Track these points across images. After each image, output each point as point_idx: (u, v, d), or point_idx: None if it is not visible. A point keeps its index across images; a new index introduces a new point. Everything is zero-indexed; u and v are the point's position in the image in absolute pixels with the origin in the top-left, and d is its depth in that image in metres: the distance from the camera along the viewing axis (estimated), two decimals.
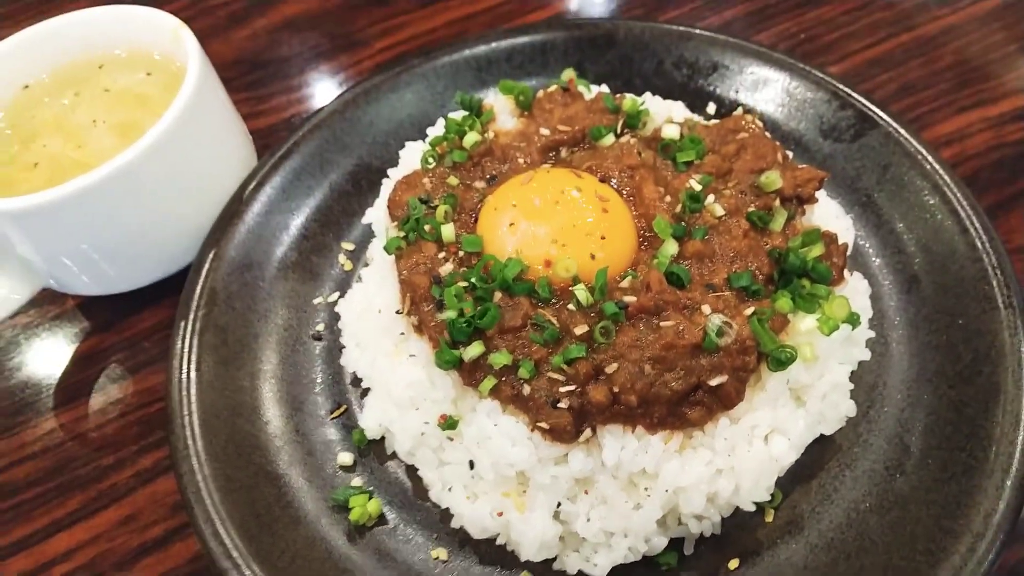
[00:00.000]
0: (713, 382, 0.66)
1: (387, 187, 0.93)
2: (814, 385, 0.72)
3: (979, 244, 0.82)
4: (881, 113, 0.93)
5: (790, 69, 1.00)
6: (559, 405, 0.67)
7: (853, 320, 0.72)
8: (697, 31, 1.04)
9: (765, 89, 1.01)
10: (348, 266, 0.96)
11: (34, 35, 0.99)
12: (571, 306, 0.70)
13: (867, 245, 0.89)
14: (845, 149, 0.94)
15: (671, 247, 0.72)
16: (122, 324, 1.00)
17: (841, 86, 0.97)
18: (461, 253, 0.76)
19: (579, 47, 1.07)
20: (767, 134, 0.87)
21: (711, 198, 0.77)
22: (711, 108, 1.02)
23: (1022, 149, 1.04)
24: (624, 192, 0.79)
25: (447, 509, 0.74)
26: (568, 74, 1.00)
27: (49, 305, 1.02)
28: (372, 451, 0.81)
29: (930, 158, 0.89)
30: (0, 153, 0.95)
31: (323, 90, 1.23)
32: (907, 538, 0.69)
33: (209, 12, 1.37)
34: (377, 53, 1.26)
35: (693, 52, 1.04)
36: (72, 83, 1.01)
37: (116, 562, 0.83)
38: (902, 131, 0.91)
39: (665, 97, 1.00)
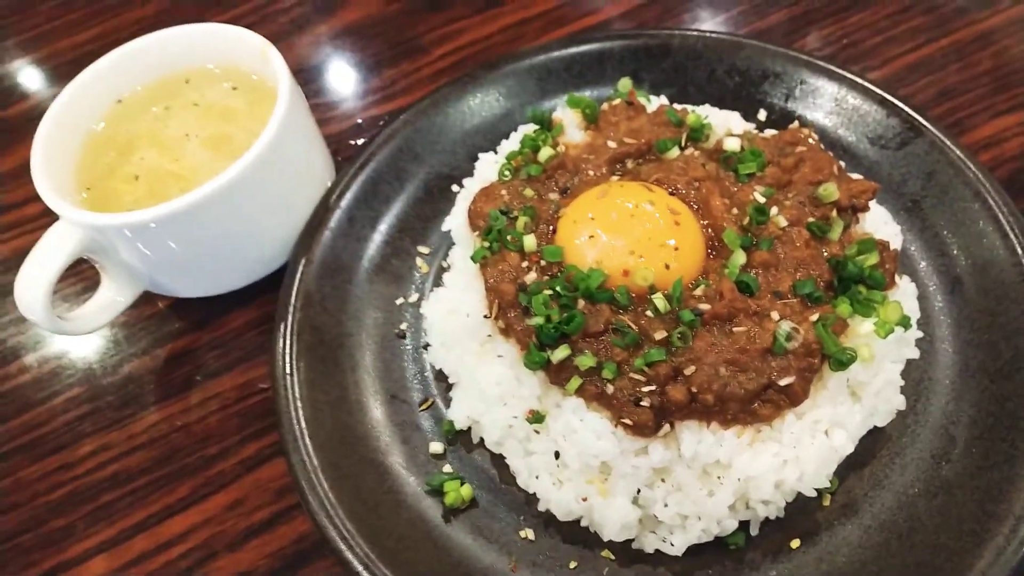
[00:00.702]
0: (782, 382, 0.73)
1: (462, 196, 1.00)
2: (870, 382, 0.79)
3: (1018, 249, 0.88)
4: (925, 122, 0.99)
5: (838, 78, 1.06)
6: (641, 403, 0.74)
7: (905, 323, 0.79)
8: (748, 41, 1.10)
9: (814, 97, 1.06)
10: (424, 268, 1.03)
11: (129, 51, 1.06)
12: (649, 312, 0.77)
13: (913, 249, 0.95)
14: (891, 156, 1.00)
15: (740, 257, 0.79)
16: (213, 324, 1.08)
17: (887, 95, 1.02)
18: (543, 262, 0.83)
19: (635, 56, 1.13)
20: (822, 146, 0.93)
21: (774, 210, 0.83)
22: (762, 115, 1.08)
23: None
24: (692, 203, 0.85)
25: (533, 494, 0.82)
26: (625, 84, 1.06)
27: (143, 306, 1.09)
28: (460, 441, 0.89)
29: (972, 166, 0.94)
30: (100, 164, 1.03)
31: (388, 96, 1.29)
32: (954, 520, 0.76)
33: (272, 19, 1.43)
34: (437, 59, 1.32)
35: (744, 61, 1.09)
36: (162, 97, 1.08)
37: (228, 543, 0.91)
38: (946, 139, 0.97)
39: (718, 104, 1.07)
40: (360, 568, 0.75)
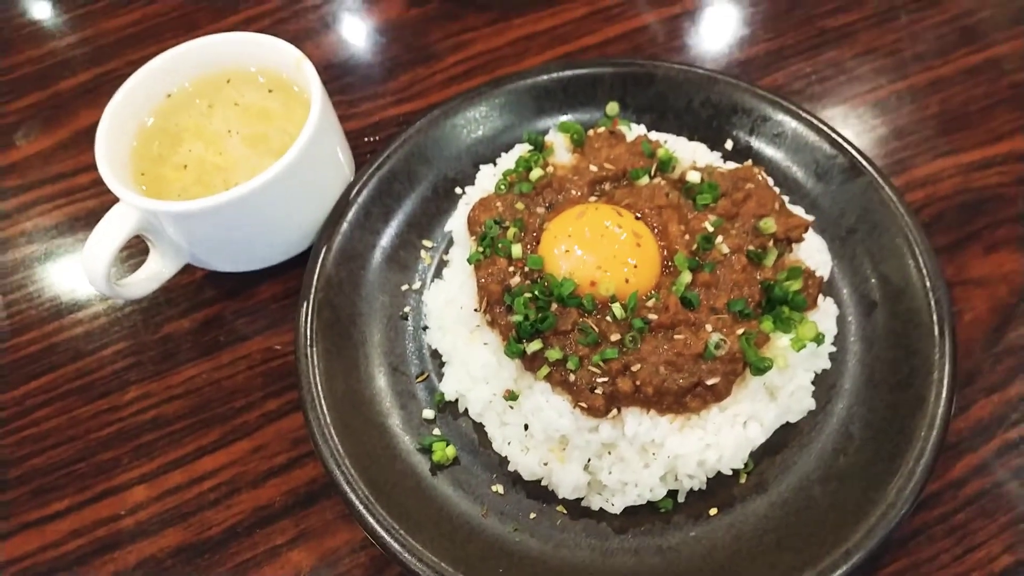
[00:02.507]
0: (709, 382, 0.91)
1: (464, 201, 1.17)
2: (784, 386, 0.97)
3: (928, 282, 1.04)
4: (865, 162, 1.14)
5: (794, 115, 1.20)
6: (595, 391, 0.92)
7: (819, 339, 0.96)
8: (720, 77, 1.24)
9: (772, 130, 1.21)
10: (428, 260, 1.20)
11: (179, 53, 1.19)
12: (608, 318, 0.94)
13: (840, 274, 1.12)
14: (833, 191, 1.16)
15: (686, 277, 0.96)
16: (244, 294, 1.24)
17: (834, 135, 1.17)
18: (526, 268, 1.00)
19: (623, 83, 1.27)
20: (770, 181, 1.09)
21: (720, 238, 1.00)
22: (728, 144, 1.24)
23: (983, 194, 1.24)
24: (654, 227, 1.02)
25: (505, 457, 1.00)
26: (613, 107, 1.22)
27: (183, 276, 1.25)
28: (448, 409, 1.07)
29: (900, 206, 1.10)
30: (152, 152, 1.19)
31: (403, 98, 1.43)
32: (841, 503, 0.93)
33: (302, 15, 1.57)
34: (450, 67, 1.46)
35: (717, 95, 1.24)
36: (206, 94, 1.23)
37: (250, 481, 1.07)
38: (880, 180, 1.13)
39: (692, 131, 1.23)
40: (361, 508, 0.93)
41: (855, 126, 1.33)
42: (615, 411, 0.93)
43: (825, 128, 1.18)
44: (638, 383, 0.90)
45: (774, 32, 1.46)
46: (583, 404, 0.92)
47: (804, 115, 1.20)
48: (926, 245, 1.07)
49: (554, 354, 0.93)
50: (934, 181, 1.27)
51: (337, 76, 1.48)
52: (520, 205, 1.06)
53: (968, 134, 1.31)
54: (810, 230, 1.10)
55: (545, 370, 0.94)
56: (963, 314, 1.14)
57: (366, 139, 1.39)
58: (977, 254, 1.19)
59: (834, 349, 1.04)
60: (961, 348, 1.10)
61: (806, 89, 1.39)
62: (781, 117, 1.21)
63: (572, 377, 0.93)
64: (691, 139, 1.21)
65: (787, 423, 1.00)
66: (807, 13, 1.48)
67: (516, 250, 1.01)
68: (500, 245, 1.02)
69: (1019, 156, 1.27)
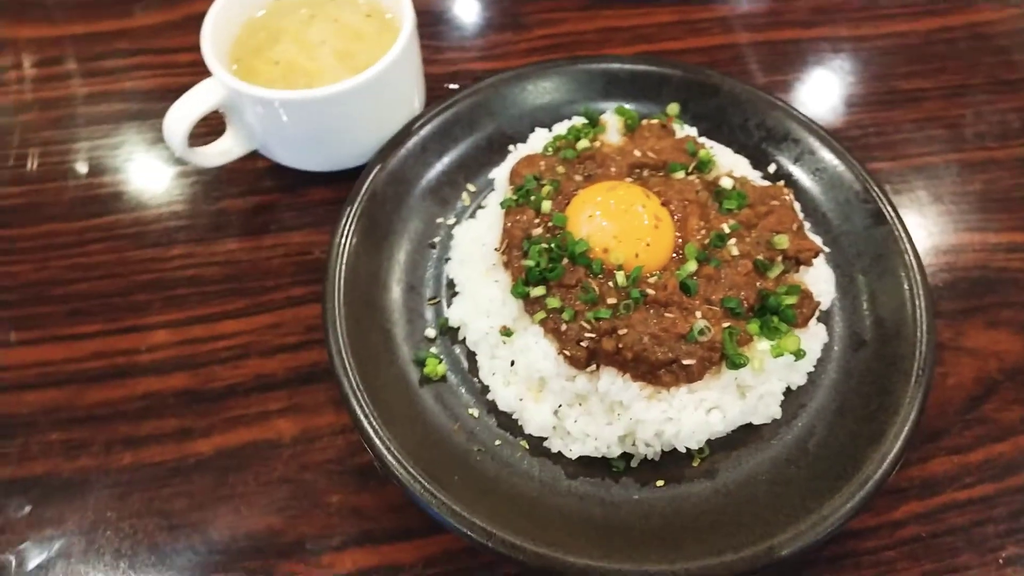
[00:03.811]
0: (685, 362, 0.98)
1: (513, 156, 1.25)
2: (755, 388, 1.03)
3: (919, 334, 1.10)
4: (892, 215, 1.19)
5: (842, 157, 1.26)
6: (581, 344, 1.00)
7: (798, 354, 1.03)
8: (780, 103, 1.30)
9: (816, 165, 1.27)
10: (467, 201, 1.29)
11: None
12: (611, 283, 1.02)
13: (841, 308, 1.18)
14: (856, 232, 1.22)
15: (691, 266, 1.03)
16: (298, 191, 1.34)
17: (873, 184, 1.23)
18: (550, 223, 1.09)
19: (689, 88, 1.35)
20: (796, 205, 1.16)
21: (733, 240, 1.07)
22: (772, 167, 1.30)
23: (1000, 275, 1.27)
24: (675, 216, 1.10)
25: (488, 386, 1.09)
26: (673, 109, 1.30)
27: (249, 161, 1.36)
28: (448, 334, 1.16)
29: (914, 264, 1.15)
30: (251, 44, 1.30)
31: (486, 56, 1.53)
32: (780, 506, 0.98)
33: None
34: (536, 39, 1.55)
35: (773, 120, 1.31)
36: (311, 5, 1.34)
37: (260, 351, 1.17)
38: (903, 234, 1.18)
39: (741, 147, 1.30)
40: (349, 393, 1.01)
41: (895, 182, 1.38)
42: (594, 366, 1.01)
43: (864, 174, 1.23)
44: (620, 346, 0.98)
45: (847, 78, 1.52)
46: (567, 353, 1.00)
47: (849, 158, 1.25)
48: (929, 303, 1.11)
49: (553, 302, 1.01)
50: (957, 251, 1.31)
51: (432, 23, 1.58)
52: (561, 169, 1.15)
53: (1003, 217, 1.35)
54: (823, 261, 1.17)
55: (542, 314, 1.02)
56: (948, 377, 1.19)
57: (444, 85, 1.49)
58: (977, 326, 1.23)
59: (813, 370, 1.10)
60: (936, 407, 1.16)
61: (861, 138, 1.44)
62: (827, 155, 1.27)
63: (564, 327, 1.01)
64: (737, 152, 1.28)
65: (751, 424, 1.07)
66: (884, 71, 1.54)
67: (546, 205, 1.09)
68: (533, 198, 1.10)
69: None
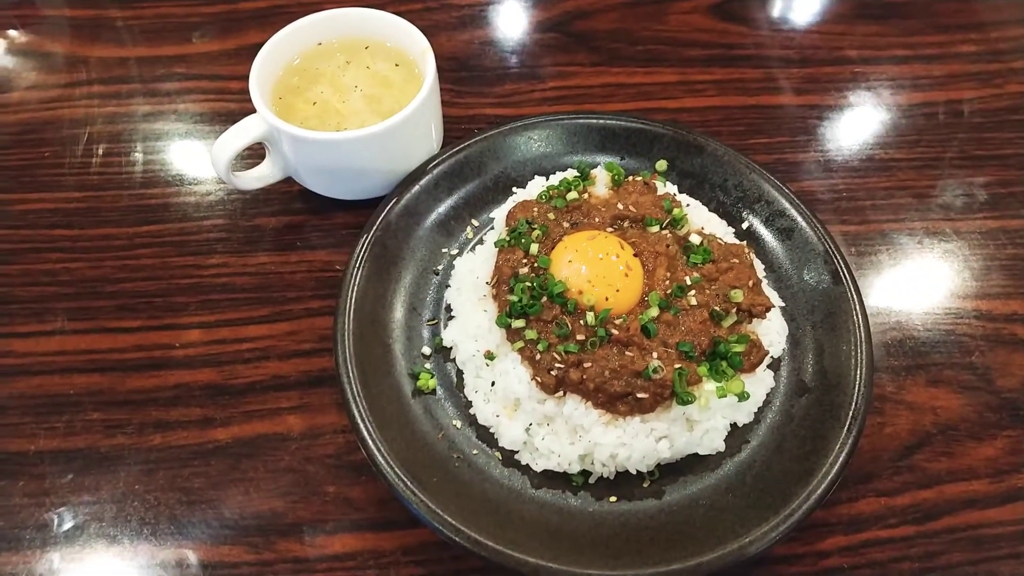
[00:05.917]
0: (639, 395, 1.12)
1: (512, 200, 1.42)
2: (702, 422, 1.18)
3: (856, 388, 1.23)
4: (847, 278, 1.33)
5: (809, 221, 1.40)
6: (552, 372, 1.15)
7: (742, 396, 1.17)
8: (757, 168, 1.44)
9: (785, 225, 1.40)
10: (470, 235, 1.45)
11: (340, 13, 1.46)
12: (581, 322, 1.18)
13: (792, 357, 1.32)
14: (813, 289, 1.35)
15: (653, 311, 1.18)
16: (324, 214, 1.50)
17: (834, 249, 1.36)
18: (535, 264, 1.24)
19: (677, 146, 1.49)
20: (757, 262, 1.30)
21: (693, 292, 1.22)
22: (745, 224, 1.45)
23: (948, 337, 1.38)
24: (646, 266, 1.25)
25: (470, 401, 1.24)
26: (661, 165, 1.45)
27: (283, 185, 1.53)
28: (441, 352, 1.31)
29: (861, 323, 1.28)
30: (292, 84, 1.48)
31: (501, 103, 1.68)
32: (713, 529, 1.11)
33: (446, 10, 1.85)
34: (549, 89, 1.71)
35: (749, 182, 1.45)
36: (347, 52, 1.51)
37: (278, 355, 1.32)
38: (855, 294, 1.32)
39: (719, 204, 1.44)
40: (349, 396, 1.18)
41: (861, 244, 1.51)
42: (561, 393, 1.16)
43: (827, 240, 1.37)
44: (584, 377, 1.14)
45: (827, 144, 1.66)
46: (539, 379, 1.16)
47: (815, 223, 1.39)
48: (869, 359, 1.25)
49: (531, 334, 1.17)
50: (908, 312, 1.43)
51: (454, 68, 1.74)
52: (551, 215, 1.31)
53: (956, 284, 1.47)
54: (778, 314, 1.31)
55: (520, 344, 1.18)
56: (885, 426, 1.32)
57: (461, 126, 1.66)
58: (920, 383, 1.36)
59: (758, 410, 1.24)
60: (871, 452, 1.29)
61: (834, 201, 1.57)
62: (796, 217, 1.41)
63: (538, 356, 1.16)
64: (715, 210, 1.43)
65: (697, 454, 1.21)
66: (863, 139, 1.67)
67: (534, 248, 1.25)
68: (523, 240, 1.26)
69: (992, 316, 1.43)
